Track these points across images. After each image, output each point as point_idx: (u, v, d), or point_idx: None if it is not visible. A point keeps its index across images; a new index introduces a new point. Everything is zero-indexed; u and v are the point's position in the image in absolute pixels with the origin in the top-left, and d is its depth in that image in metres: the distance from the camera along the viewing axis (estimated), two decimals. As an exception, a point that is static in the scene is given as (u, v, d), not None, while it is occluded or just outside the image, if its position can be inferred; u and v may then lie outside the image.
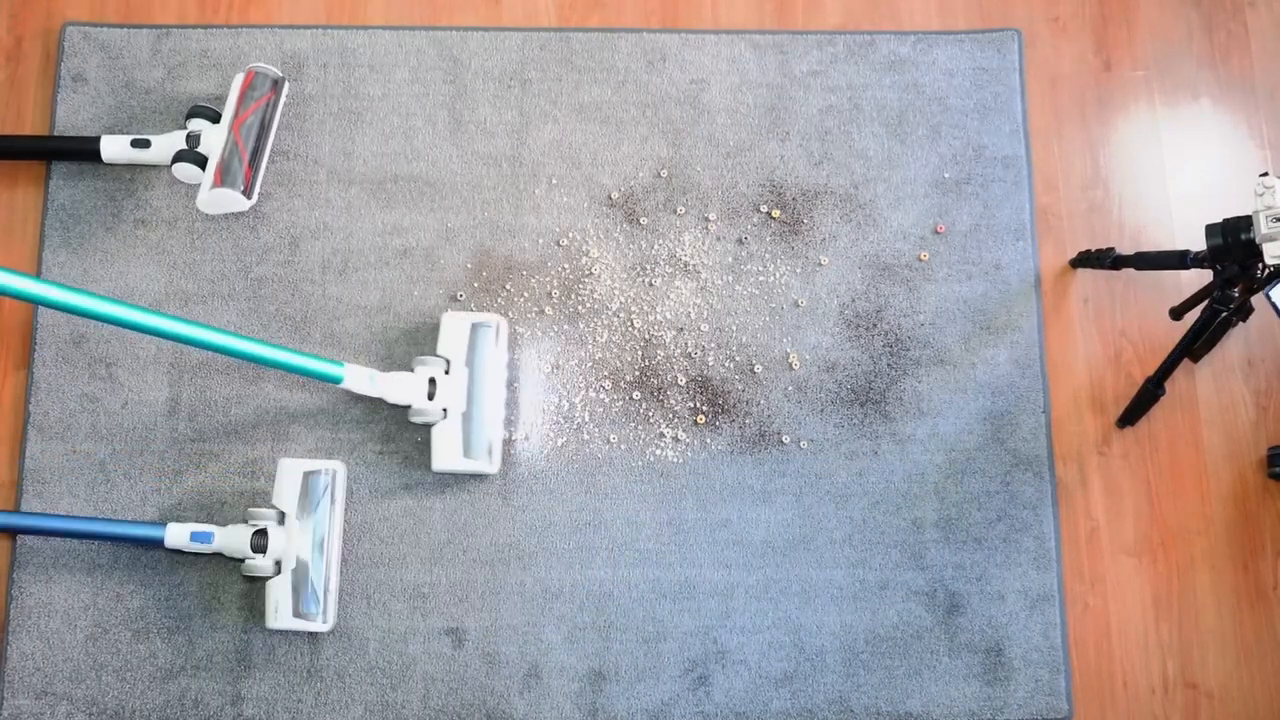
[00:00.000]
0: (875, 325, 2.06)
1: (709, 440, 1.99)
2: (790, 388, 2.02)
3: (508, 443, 1.98)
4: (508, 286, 2.05)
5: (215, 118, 2.03)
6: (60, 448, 1.96)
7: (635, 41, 2.16)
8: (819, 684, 1.92)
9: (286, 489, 1.88)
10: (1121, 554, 2.00)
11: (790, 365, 2.03)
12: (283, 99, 2.07)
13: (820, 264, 2.08)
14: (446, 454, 1.91)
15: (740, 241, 2.08)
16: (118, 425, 1.98)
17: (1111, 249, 2.03)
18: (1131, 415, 2.00)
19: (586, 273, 2.06)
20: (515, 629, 1.92)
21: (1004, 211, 2.11)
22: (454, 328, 1.95)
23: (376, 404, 1.99)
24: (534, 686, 1.90)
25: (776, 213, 2.10)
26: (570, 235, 2.08)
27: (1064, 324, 2.08)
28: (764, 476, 1.98)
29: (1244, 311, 1.80)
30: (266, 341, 1.74)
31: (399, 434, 1.98)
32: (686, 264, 2.07)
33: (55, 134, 2.09)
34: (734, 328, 2.04)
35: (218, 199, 1.99)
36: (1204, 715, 1.94)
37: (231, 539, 1.83)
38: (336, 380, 1.82)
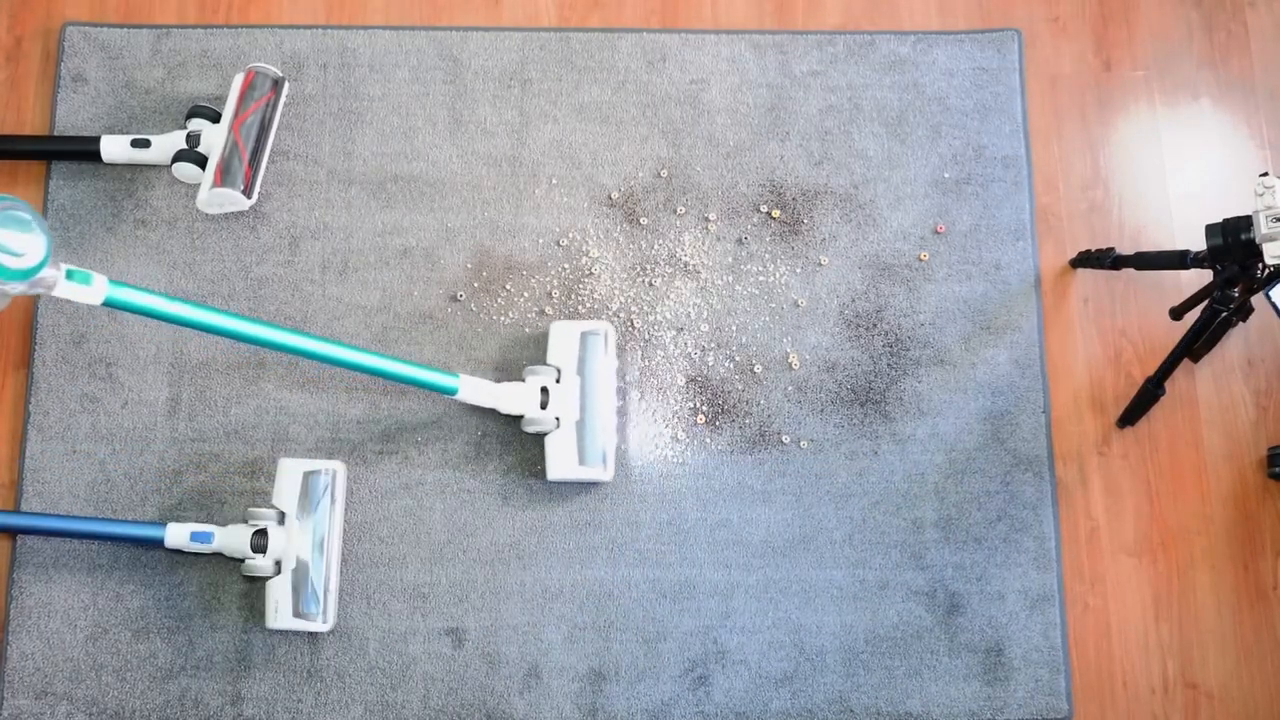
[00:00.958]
0: (875, 325, 2.06)
1: (709, 440, 1.99)
2: (790, 388, 2.02)
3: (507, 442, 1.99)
4: (508, 286, 2.05)
5: (215, 118, 2.03)
6: (60, 448, 1.96)
7: (635, 41, 2.16)
8: (819, 684, 1.92)
9: (286, 489, 1.88)
10: (1121, 554, 2.00)
11: (790, 365, 2.03)
12: (283, 99, 2.07)
13: (820, 264, 2.08)
14: (562, 463, 1.90)
15: (740, 241, 2.08)
16: (118, 425, 1.98)
17: (1111, 249, 2.03)
18: (1131, 415, 2.01)
19: (586, 273, 2.06)
20: (515, 629, 1.92)
21: (1004, 211, 2.11)
22: (563, 336, 1.95)
23: (376, 404, 1.99)
24: (534, 686, 1.90)
25: (776, 213, 2.10)
26: (570, 235, 2.08)
27: (1064, 324, 2.08)
28: (764, 476, 1.98)
29: (1244, 311, 1.80)
30: (385, 354, 1.75)
31: (399, 434, 1.98)
32: (686, 264, 2.07)
33: (55, 134, 2.09)
34: (734, 328, 2.04)
35: (218, 199, 1.99)
36: (1204, 715, 1.94)
37: (231, 539, 1.83)
38: (451, 392, 1.81)
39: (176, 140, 2.02)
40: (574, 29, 2.17)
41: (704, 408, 2.01)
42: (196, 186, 2.05)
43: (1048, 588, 1.96)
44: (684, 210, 2.09)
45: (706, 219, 2.09)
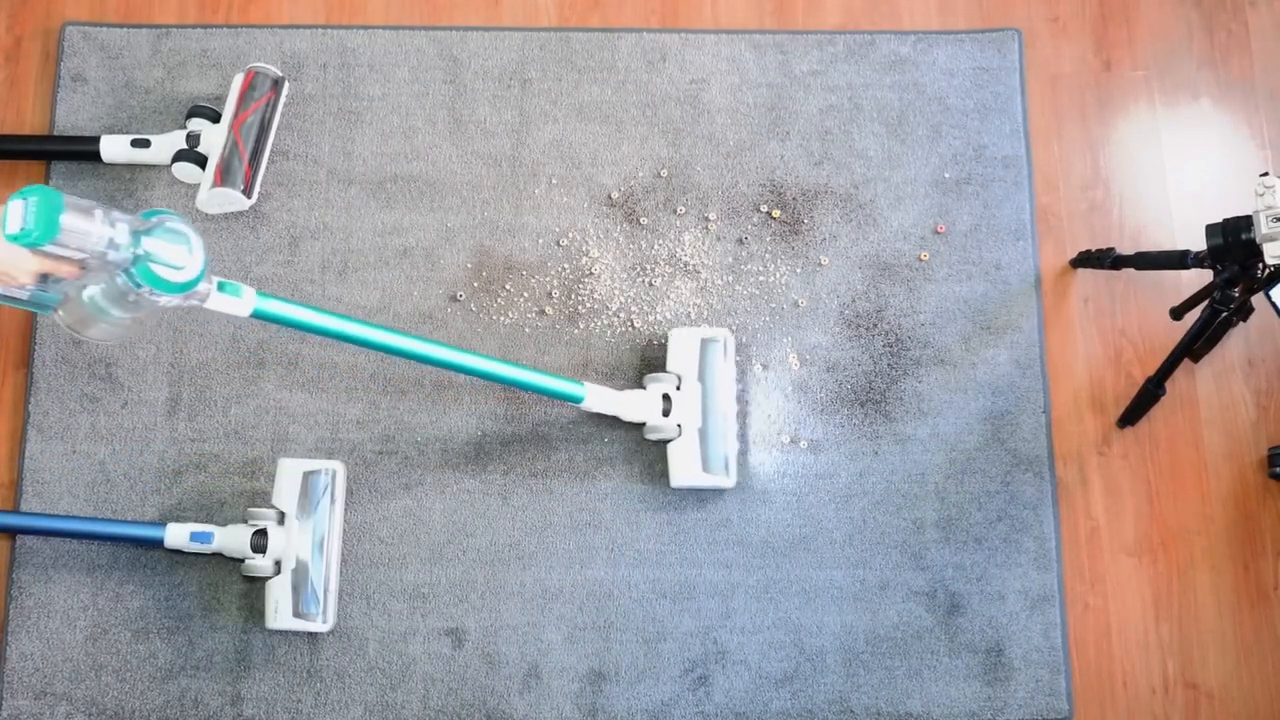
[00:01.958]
0: (875, 325, 2.05)
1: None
2: (790, 388, 2.02)
3: (506, 441, 1.99)
4: (508, 286, 2.05)
5: (215, 117, 2.03)
6: (60, 448, 1.96)
7: (635, 41, 2.16)
8: (819, 684, 1.91)
9: (286, 489, 1.87)
10: (1121, 554, 1.99)
11: (790, 365, 2.03)
12: (283, 99, 2.07)
13: (820, 264, 2.08)
14: (685, 470, 1.90)
15: (740, 241, 2.08)
16: (118, 425, 1.98)
17: (1111, 249, 2.03)
18: (1132, 415, 2.00)
19: (586, 273, 2.06)
20: (515, 629, 1.92)
21: (1004, 211, 2.11)
22: (683, 343, 1.95)
23: (376, 404, 1.99)
24: (534, 686, 1.90)
25: (777, 213, 2.10)
26: (570, 235, 2.08)
27: (1064, 324, 2.08)
28: (764, 476, 1.98)
29: (1244, 311, 1.80)
30: (513, 362, 1.76)
31: (399, 434, 1.98)
32: (686, 264, 2.07)
33: (55, 134, 2.09)
34: (734, 328, 2.04)
35: (218, 199, 1.99)
36: (1204, 715, 1.94)
37: (231, 539, 1.83)
38: (578, 400, 1.82)
39: (176, 140, 2.01)
40: (574, 29, 2.17)
41: (704, 408, 2.01)
42: (196, 186, 2.05)
43: (1048, 588, 1.96)
44: (684, 210, 2.09)
45: (706, 219, 2.09)
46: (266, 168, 2.07)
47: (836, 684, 1.91)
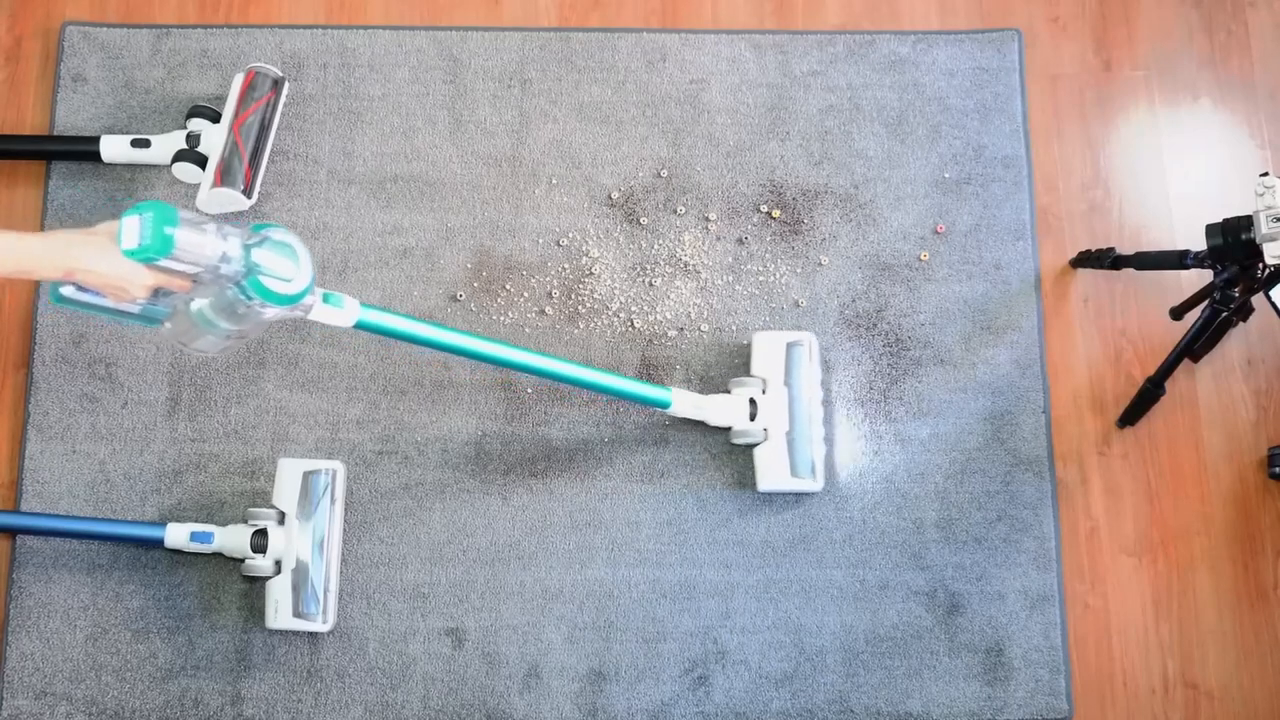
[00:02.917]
0: (875, 325, 2.05)
1: (709, 440, 1.99)
2: (790, 388, 2.02)
3: (507, 441, 1.98)
4: (508, 286, 2.05)
5: (215, 118, 2.03)
6: (60, 448, 1.96)
7: (635, 41, 2.16)
8: (819, 684, 1.91)
9: (286, 489, 1.87)
10: (1121, 554, 1.99)
11: (790, 365, 2.03)
12: (283, 99, 2.07)
13: (820, 264, 2.08)
14: (773, 474, 1.90)
15: (740, 241, 2.08)
16: (118, 425, 1.98)
17: (1111, 249, 2.03)
18: (1132, 415, 2.00)
19: (587, 273, 2.06)
20: (515, 629, 1.92)
21: (1004, 211, 2.11)
22: (768, 347, 1.95)
23: (376, 404, 1.99)
24: (534, 686, 1.90)
25: (776, 213, 2.10)
26: (570, 235, 2.08)
27: (1064, 324, 2.08)
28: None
29: (1244, 311, 1.80)
30: (602, 368, 1.77)
31: (399, 434, 1.98)
32: (686, 264, 2.07)
33: (55, 134, 2.09)
34: (734, 328, 2.04)
35: (218, 199, 1.99)
36: (1204, 715, 1.94)
37: (231, 539, 1.83)
38: (665, 405, 1.82)
39: (176, 140, 2.02)
40: (574, 29, 2.17)
41: (704, 408, 2.01)
42: (196, 186, 2.05)
43: (1048, 588, 1.96)
44: (684, 210, 2.09)
45: (706, 219, 2.09)
46: (266, 168, 2.07)
47: (836, 684, 1.91)
